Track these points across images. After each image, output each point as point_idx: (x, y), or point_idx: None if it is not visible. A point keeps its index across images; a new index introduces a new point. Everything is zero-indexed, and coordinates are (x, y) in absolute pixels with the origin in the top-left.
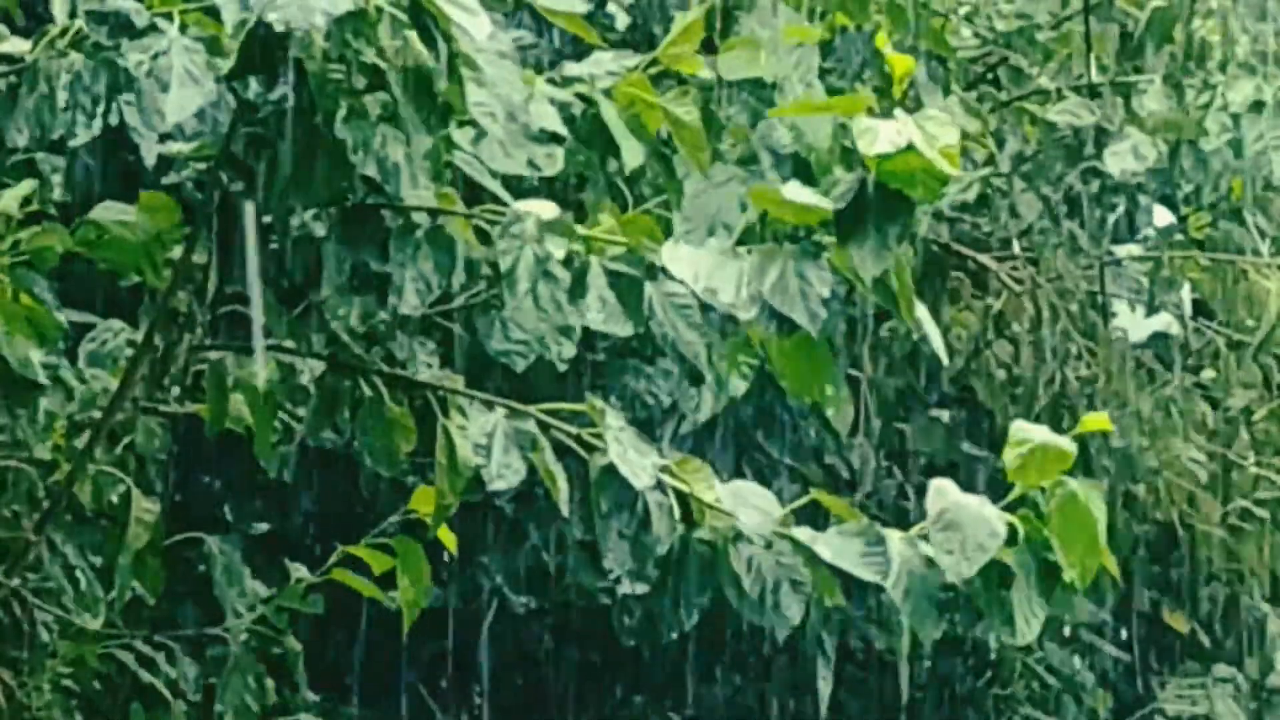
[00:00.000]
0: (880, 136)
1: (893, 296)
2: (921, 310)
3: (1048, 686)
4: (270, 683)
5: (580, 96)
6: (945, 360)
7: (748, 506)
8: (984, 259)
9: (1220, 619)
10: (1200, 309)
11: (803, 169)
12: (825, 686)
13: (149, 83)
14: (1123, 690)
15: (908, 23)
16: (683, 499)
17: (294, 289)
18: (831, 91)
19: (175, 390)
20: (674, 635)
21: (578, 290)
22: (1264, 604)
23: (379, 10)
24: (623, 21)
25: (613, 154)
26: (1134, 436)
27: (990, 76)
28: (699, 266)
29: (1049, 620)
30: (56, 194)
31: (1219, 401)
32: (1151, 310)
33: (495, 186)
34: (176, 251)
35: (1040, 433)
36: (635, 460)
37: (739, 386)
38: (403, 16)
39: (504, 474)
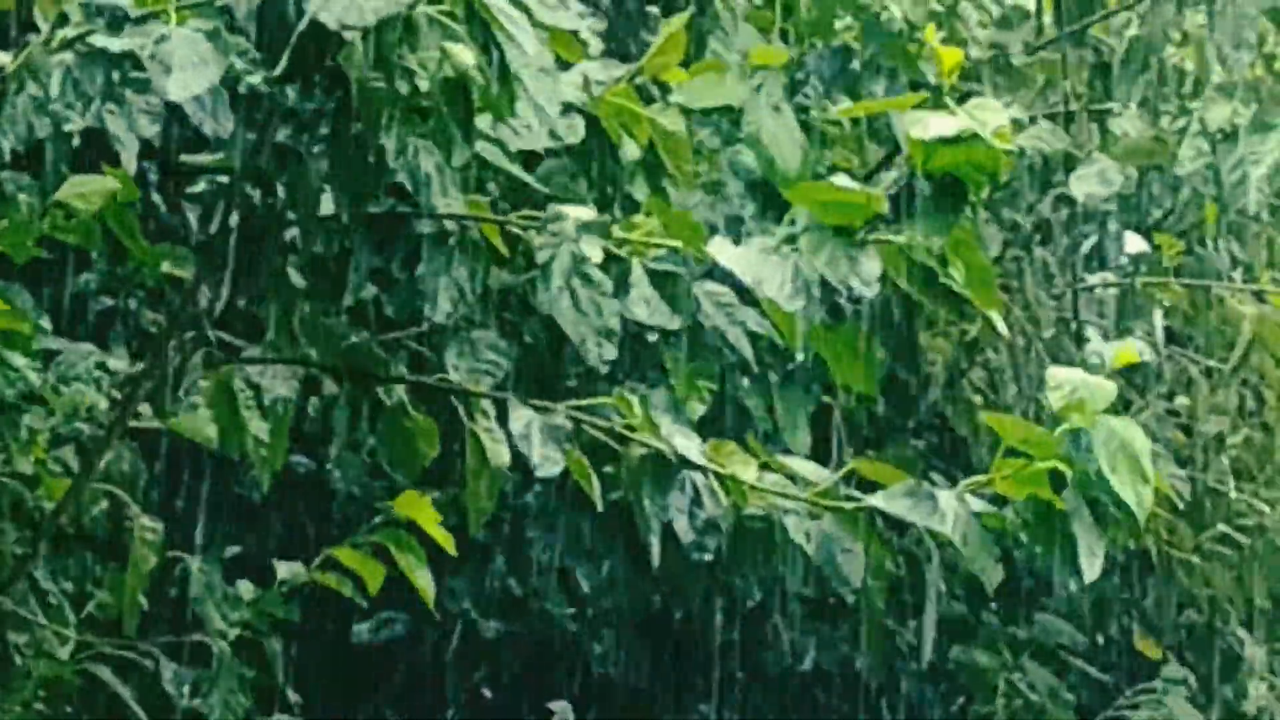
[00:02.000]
0: (931, 125)
1: (941, 293)
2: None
3: (1029, 705)
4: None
5: (568, 105)
6: (1005, 334)
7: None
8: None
9: (1195, 646)
10: (1172, 336)
11: (772, 196)
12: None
13: (153, 65)
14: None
15: (879, 37)
16: (721, 483)
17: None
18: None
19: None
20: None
21: (622, 288)
22: (1240, 630)
23: (426, 18)
24: (596, 47)
25: (603, 163)
26: None
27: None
28: (746, 260)
29: (1028, 641)
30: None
31: (1192, 428)
32: (1124, 338)
33: (516, 169)
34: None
35: (1078, 374)
36: (685, 443)
37: (697, 409)
38: (450, 24)
39: (545, 463)
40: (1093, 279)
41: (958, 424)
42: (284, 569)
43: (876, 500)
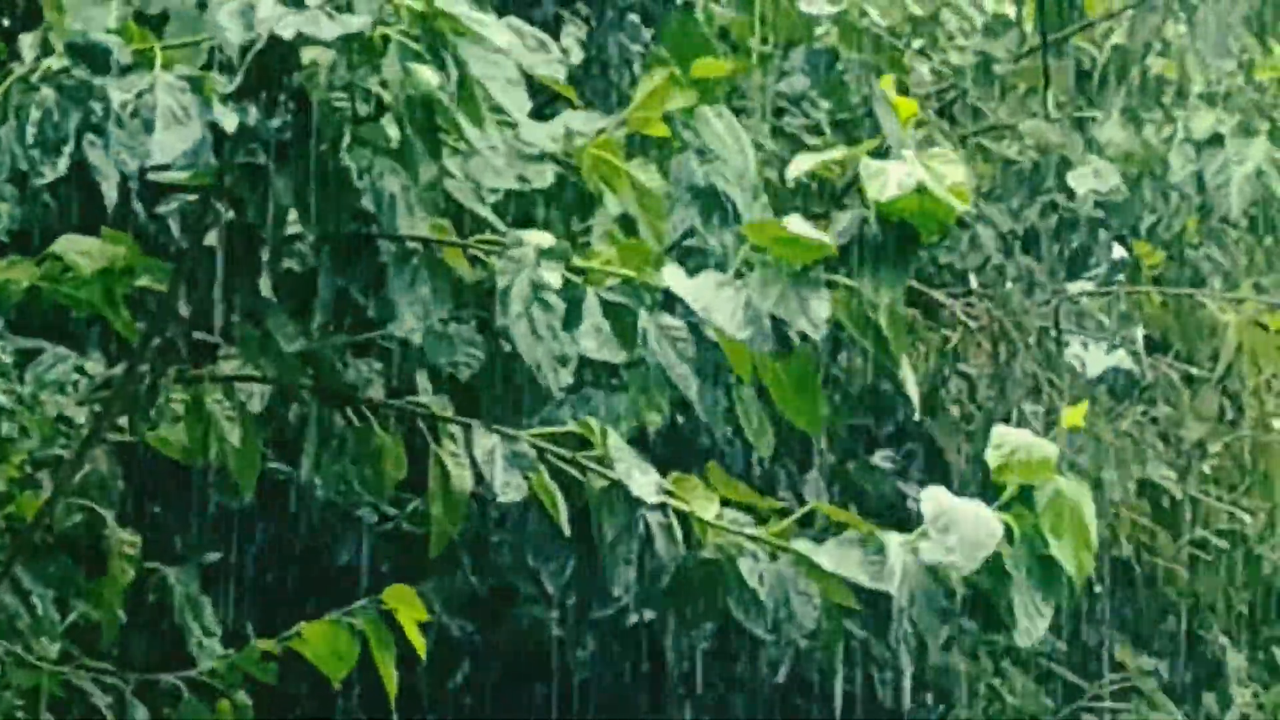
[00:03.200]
0: (890, 178)
1: (881, 338)
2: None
3: (1010, 710)
4: None
5: (551, 156)
6: (916, 404)
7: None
8: (938, 295)
9: (1177, 653)
10: (1152, 345)
11: (717, 205)
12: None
13: (133, 122)
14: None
15: (861, 42)
16: (682, 518)
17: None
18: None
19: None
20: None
21: (573, 318)
22: (1223, 637)
23: (385, 39)
24: (577, 55)
25: (581, 213)
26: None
27: (946, 112)
28: (698, 290)
29: (1008, 648)
30: (5, 223)
31: (1172, 436)
32: (1107, 346)
33: (485, 211)
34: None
35: (1021, 435)
36: (640, 479)
37: (654, 420)
38: (412, 44)
39: (507, 490)
40: (1074, 287)
41: (936, 433)
42: (259, 643)
43: (821, 557)
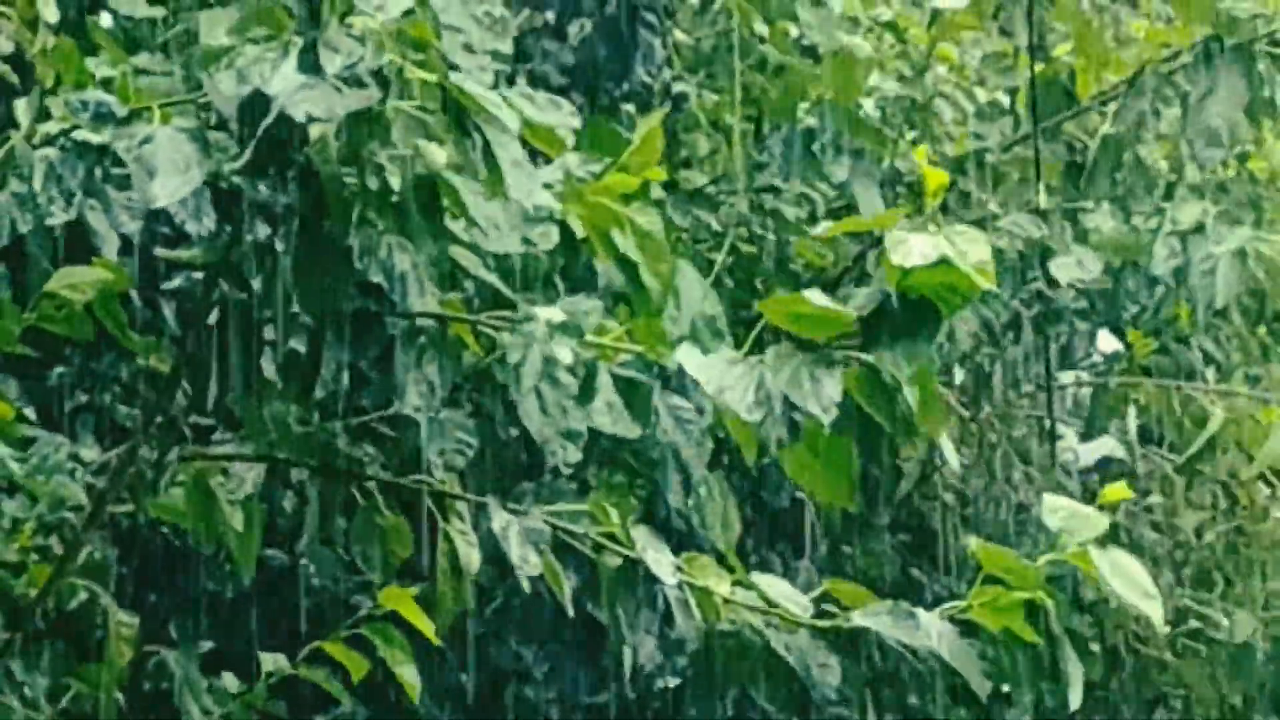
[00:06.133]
0: (913, 249)
1: (899, 416)
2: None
3: None
4: None
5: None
6: (955, 466)
7: (776, 594)
8: None
9: None
10: (1145, 434)
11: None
12: None
13: (136, 168)
14: None
15: (849, 121)
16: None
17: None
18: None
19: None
20: None
21: (586, 393)
22: None
23: (396, 111)
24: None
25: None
26: None
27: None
28: (711, 370)
29: None
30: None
31: (1163, 526)
32: (1099, 436)
33: (492, 278)
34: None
35: (1071, 503)
36: (657, 558)
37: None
38: (424, 118)
39: (524, 565)
40: (1065, 377)
41: (931, 520)
42: (269, 660)
43: (860, 618)
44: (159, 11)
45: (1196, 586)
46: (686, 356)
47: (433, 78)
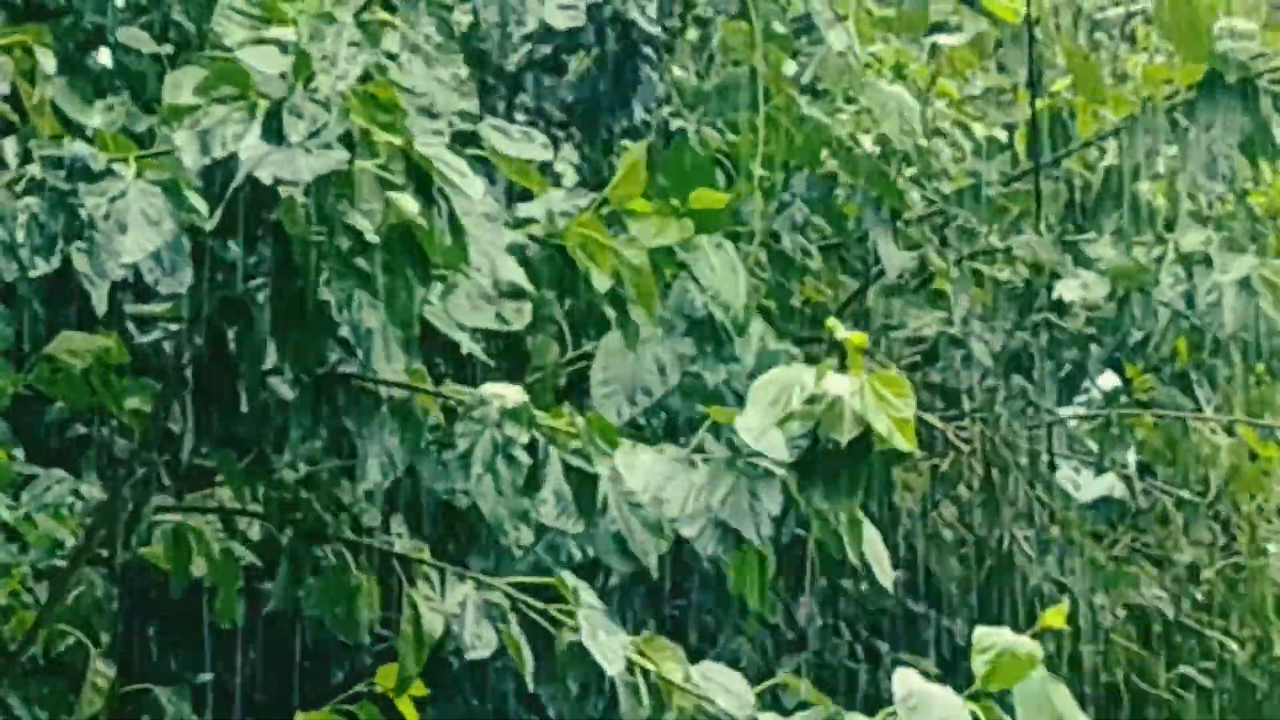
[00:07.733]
0: (830, 388)
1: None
2: (871, 533)
3: None
4: None
5: (532, 238)
6: (889, 586)
7: (718, 688)
8: (930, 418)
9: None
10: (1144, 469)
11: (714, 335)
12: None
13: (106, 225)
14: None
15: (859, 170)
16: (648, 677)
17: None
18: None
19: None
20: None
21: (533, 481)
22: None
23: (363, 171)
24: (571, 178)
25: (569, 292)
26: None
27: (939, 234)
28: (651, 476)
29: None
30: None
31: (1163, 562)
32: (1099, 470)
33: (464, 339)
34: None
35: (1004, 636)
36: (606, 641)
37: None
38: (391, 177)
39: (476, 644)
40: (1066, 412)
41: (930, 558)
42: None
43: None
44: (166, 49)
45: (1196, 622)
46: (626, 460)
47: (398, 141)
